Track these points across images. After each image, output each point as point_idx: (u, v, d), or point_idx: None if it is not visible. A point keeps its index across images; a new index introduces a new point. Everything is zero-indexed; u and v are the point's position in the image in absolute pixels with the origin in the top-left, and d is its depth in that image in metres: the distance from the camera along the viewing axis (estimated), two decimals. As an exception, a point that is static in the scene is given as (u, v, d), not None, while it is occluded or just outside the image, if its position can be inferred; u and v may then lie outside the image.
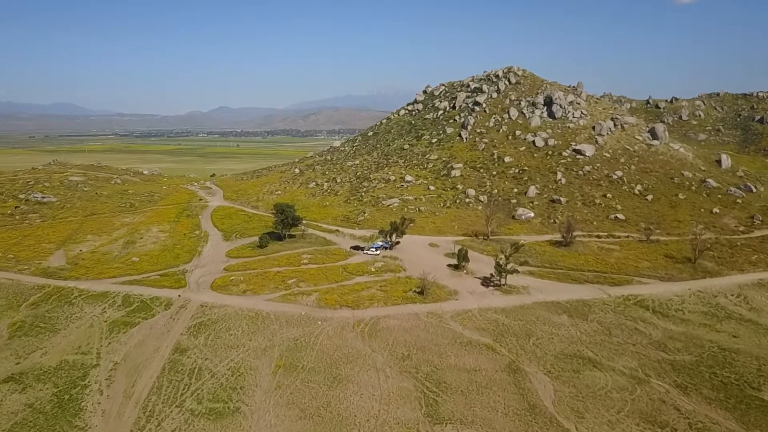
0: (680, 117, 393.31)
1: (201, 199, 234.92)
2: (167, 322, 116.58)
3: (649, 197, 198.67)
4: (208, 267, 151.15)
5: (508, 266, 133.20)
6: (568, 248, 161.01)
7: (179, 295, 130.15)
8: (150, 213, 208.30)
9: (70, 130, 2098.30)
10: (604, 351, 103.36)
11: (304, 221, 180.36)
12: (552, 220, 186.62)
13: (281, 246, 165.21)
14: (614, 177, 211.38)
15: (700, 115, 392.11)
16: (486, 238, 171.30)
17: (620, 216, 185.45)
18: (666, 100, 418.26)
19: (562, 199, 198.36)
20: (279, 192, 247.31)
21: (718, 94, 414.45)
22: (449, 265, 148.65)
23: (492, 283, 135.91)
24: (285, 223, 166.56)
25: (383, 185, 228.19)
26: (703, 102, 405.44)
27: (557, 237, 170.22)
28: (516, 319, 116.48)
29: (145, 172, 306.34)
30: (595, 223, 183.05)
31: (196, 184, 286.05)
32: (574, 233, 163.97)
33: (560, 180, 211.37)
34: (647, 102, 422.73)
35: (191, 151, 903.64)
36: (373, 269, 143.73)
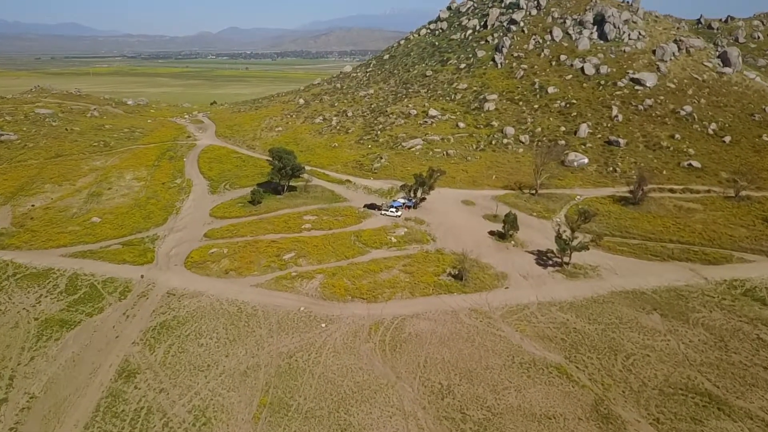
0: (736, 39, 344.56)
1: (189, 137, 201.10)
2: (118, 320, 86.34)
3: (727, 139, 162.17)
4: (186, 232, 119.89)
5: (575, 242, 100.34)
6: (638, 207, 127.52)
7: (142, 276, 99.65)
8: (126, 154, 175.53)
9: (78, 51, 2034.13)
10: (726, 379, 72.09)
11: (307, 169, 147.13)
12: (611, 168, 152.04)
13: (278, 202, 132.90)
14: (682, 113, 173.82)
15: (758, 37, 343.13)
16: (534, 192, 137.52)
17: (695, 163, 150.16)
18: (720, 20, 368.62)
19: (620, 140, 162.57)
20: (280, 128, 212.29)
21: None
22: (491, 233, 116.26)
23: (551, 261, 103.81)
24: (283, 173, 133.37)
25: (403, 121, 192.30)
26: (762, 22, 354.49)
27: (621, 191, 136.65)
28: (591, 320, 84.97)
29: (129, 102, 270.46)
30: (664, 172, 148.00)
31: (187, 116, 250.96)
32: (646, 187, 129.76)
33: (616, 116, 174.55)
34: (698, 22, 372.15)
35: (198, 74, 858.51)
36: (393, 239, 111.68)
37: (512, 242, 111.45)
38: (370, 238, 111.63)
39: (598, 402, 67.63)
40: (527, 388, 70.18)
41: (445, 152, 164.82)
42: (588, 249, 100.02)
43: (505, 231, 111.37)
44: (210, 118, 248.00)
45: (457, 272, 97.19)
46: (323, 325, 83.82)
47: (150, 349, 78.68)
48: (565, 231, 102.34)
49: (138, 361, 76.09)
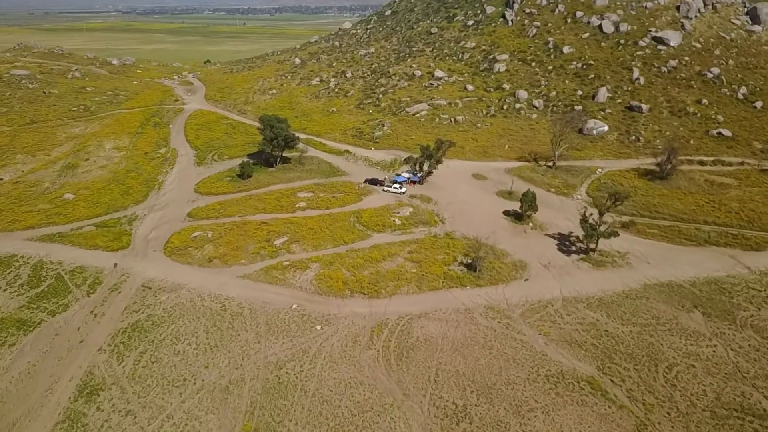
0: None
1: (177, 100, 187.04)
2: (85, 321, 75.69)
3: (758, 104, 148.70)
4: (167, 211, 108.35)
5: (603, 227, 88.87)
6: (667, 183, 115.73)
7: (115, 265, 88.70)
8: (108, 120, 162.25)
9: (72, 6, 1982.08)
10: (787, 397, 61.72)
11: (302, 138, 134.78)
12: (633, 137, 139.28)
13: (270, 176, 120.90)
14: (709, 76, 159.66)
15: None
16: (551, 165, 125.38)
17: (725, 131, 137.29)
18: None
19: (643, 105, 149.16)
20: (274, 91, 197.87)
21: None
22: (506, 213, 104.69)
23: (574, 247, 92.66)
24: (275, 144, 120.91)
25: (406, 84, 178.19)
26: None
27: (646, 163, 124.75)
28: (624, 320, 74.30)
29: (114, 62, 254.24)
30: (692, 141, 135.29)
31: (176, 77, 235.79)
32: (676, 160, 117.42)
33: (638, 79, 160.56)
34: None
35: (195, 30, 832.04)
36: (397, 220, 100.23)
37: (530, 224, 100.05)
38: (371, 220, 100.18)
39: (640, 427, 57.59)
40: (556, 409, 59.90)
41: (452, 119, 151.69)
42: (618, 235, 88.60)
43: (523, 211, 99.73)
44: (200, 79, 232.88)
45: (470, 261, 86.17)
46: (318, 327, 73.19)
47: (118, 357, 68.16)
48: (591, 214, 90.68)
49: (103, 373, 65.63)
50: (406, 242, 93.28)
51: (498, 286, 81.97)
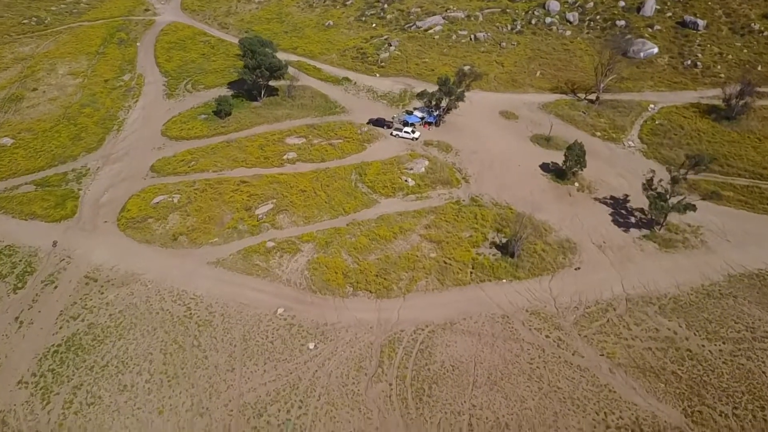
0: None
1: (148, 10, 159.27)
2: (6, 332, 58.17)
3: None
4: (126, 162, 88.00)
5: (675, 198, 69.17)
6: (736, 124, 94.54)
7: (54, 243, 70.02)
8: (65, 36, 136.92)
9: None
10: None
11: (293, 61, 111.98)
12: (689, 62, 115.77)
13: (253, 114, 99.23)
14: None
15: None
16: (595, 100, 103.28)
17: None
18: None
19: (699, 21, 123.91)
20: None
21: None
22: (544, 169, 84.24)
23: (632, 218, 73.59)
24: (258, 73, 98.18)
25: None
26: None
27: (707, 96, 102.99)
28: (709, 333, 56.84)
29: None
30: (759, 67, 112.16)
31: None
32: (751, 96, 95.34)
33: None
34: None
35: None
36: (410, 180, 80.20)
37: (576, 185, 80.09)
38: (377, 178, 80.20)
39: None
40: (637, 487, 43.45)
41: (472, 36, 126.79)
42: (695, 209, 68.97)
43: (567, 167, 79.44)
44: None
45: (504, 240, 67.49)
46: (311, 345, 55.68)
47: (43, 396, 51.08)
48: (660, 180, 70.74)
49: (20, 424, 48.73)
50: (422, 212, 73.96)
51: (542, 278, 63.82)
